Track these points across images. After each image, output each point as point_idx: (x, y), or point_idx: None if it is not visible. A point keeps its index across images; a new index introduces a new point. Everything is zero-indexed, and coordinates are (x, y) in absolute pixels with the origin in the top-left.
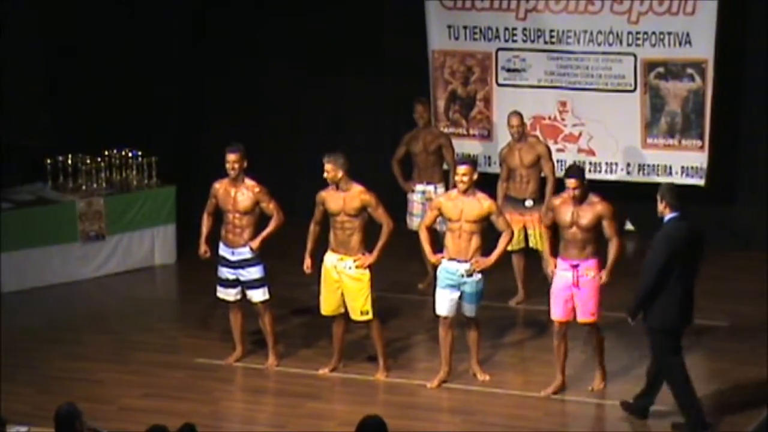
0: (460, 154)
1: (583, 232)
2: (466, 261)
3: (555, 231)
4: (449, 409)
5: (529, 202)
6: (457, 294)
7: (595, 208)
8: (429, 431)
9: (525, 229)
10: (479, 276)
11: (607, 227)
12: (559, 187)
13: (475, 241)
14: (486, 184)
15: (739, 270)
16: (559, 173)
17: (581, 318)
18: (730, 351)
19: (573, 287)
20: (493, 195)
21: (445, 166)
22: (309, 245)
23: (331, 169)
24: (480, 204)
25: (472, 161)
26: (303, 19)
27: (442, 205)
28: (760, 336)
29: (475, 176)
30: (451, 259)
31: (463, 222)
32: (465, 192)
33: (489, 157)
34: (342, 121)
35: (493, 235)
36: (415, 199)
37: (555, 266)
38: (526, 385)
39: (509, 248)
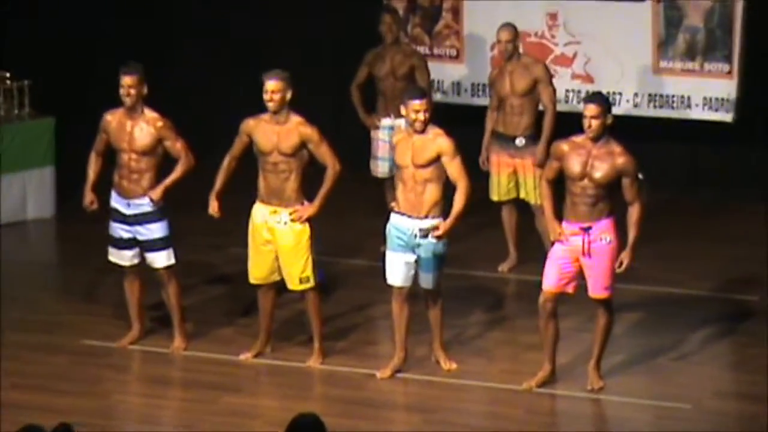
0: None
1: (596, 187)
2: (420, 218)
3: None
4: (405, 406)
5: (520, 141)
6: (412, 257)
7: (615, 161)
8: None
9: (516, 174)
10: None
11: (628, 188)
12: (560, 123)
13: (430, 193)
14: (458, 118)
15: None
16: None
17: (593, 293)
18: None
19: (583, 256)
20: (475, 132)
21: None
22: (217, 184)
23: (277, 89)
24: (431, 142)
25: (425, 92)
26: None
27: (395, 147)
28: None
29: (430, 111)
30: (401, 213)
31: (413, 168)
32: (423, 131)
33: (458, 84)
34: (270, 39)
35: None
36: (381, 137)
37: (562, 232)
38: (505, 376)
39: (497, 198)
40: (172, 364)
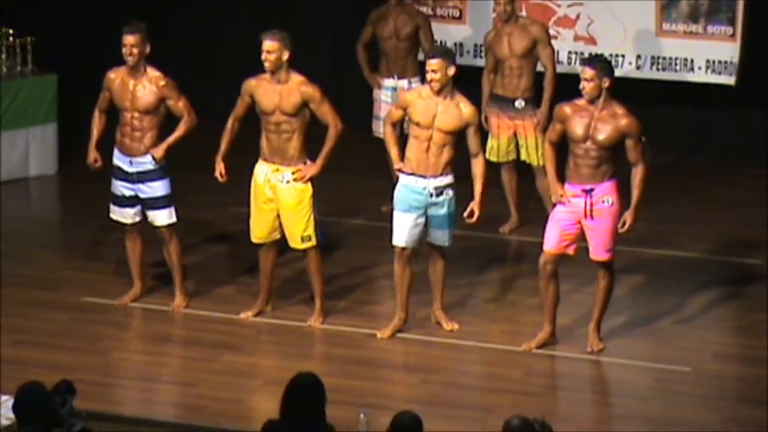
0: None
1: (599, 149)
2: (434, 176)
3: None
4: (405, 366)
5: (519, 103)
6: (422, 219)
7: (618, 123)
8: (378, 393)
9: (516, 137)
10: (451, 193)
11: (632, 149)
12: (563, 85)
13: (447, 154)
14: (460, 79)
15: None
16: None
17: (594, 255)
18: None
19: (585, 218)
20: (477, 93)
21: (421, 56)
22: (223, 146)
23: (273, 48)
24: (459, 111)
25: (447, 52)
26: None
27: (411, 104)
28: None
29: (452, 72)
30: (413, 173)
31: (435, 130)
32: (440, 92)
33: (461, 45)
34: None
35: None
36: (383, 97)
37: (564, 194)
38: (505, 337)
39: (495, 159)
40: (172, 322)
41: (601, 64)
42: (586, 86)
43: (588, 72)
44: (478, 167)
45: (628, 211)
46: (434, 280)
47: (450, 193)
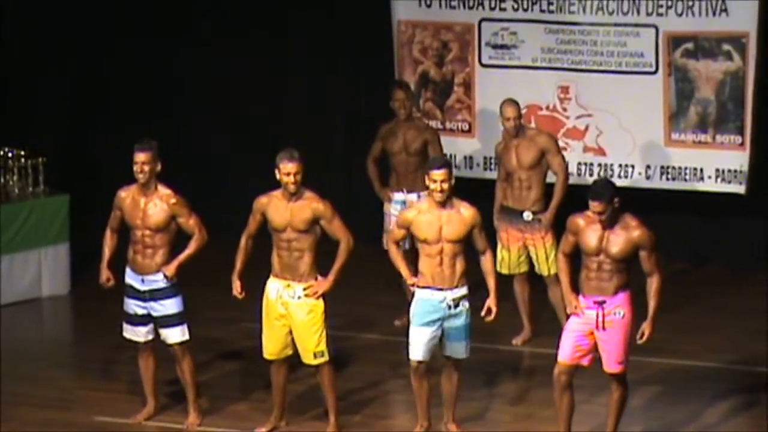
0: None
1: (613, 262)
2: (451, 288)
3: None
4: None
5: (527, 215)
6: (438, 332)
7: (630, 235)
8: None
9: (526, 248)
10: (467, 304)
11: (646, 261)
12: (573, 195)
13: (460, 264)
14: (470, 192)
15: None
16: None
17: (607, 367)
18: None
19: (597, 330)
20: (488, 205)
21: None
22: (238, 264)
23: (299, 170)
24: (461, 216)
25: (448, 162)
26: None
27: (414, 222)
28: None
29: (453, 182)
30: (429, 287)
31: (445, 243)
32: (444, 203)
33: (470, 158)
34: (283, 112)
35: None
36: (393, 211)
37: (578, 306)
38: None
39: (506, 272)
40: None
41: (607, 193)
42: (603, 218)
43: (598, 206)
44: (488, 263)
45: (646, 321)
46: (447, 393)
47: (466, 304)
